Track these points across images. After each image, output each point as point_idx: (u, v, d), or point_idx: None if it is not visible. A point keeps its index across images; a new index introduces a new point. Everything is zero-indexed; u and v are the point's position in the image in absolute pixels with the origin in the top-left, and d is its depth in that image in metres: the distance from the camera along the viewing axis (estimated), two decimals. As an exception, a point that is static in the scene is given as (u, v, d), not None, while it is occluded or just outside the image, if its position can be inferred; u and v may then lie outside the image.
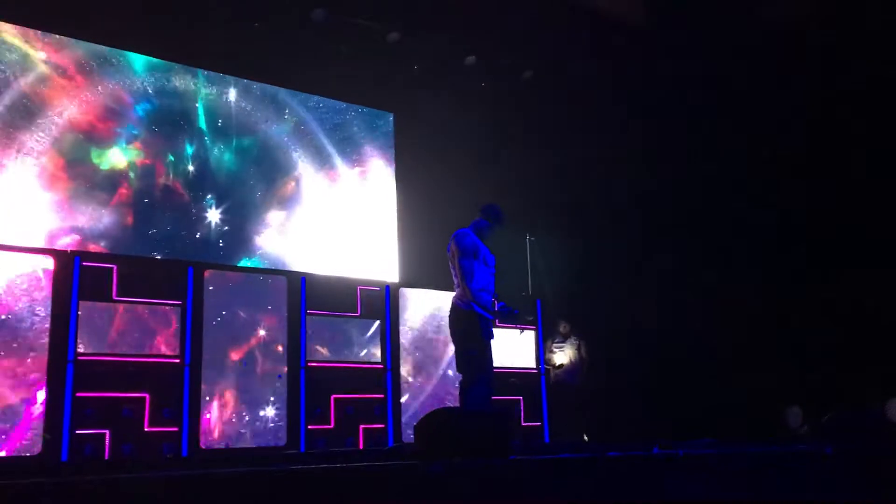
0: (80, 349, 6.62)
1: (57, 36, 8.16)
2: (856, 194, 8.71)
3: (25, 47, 8.03)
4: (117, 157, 8.30)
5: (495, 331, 5.96)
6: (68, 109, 8.12)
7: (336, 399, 8.34)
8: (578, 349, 9.49)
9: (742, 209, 9.47)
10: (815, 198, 8.97)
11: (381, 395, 8.75)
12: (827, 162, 8.88)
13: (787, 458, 3.95)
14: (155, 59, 8.65)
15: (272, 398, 8.23)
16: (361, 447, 8.18)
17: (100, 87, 8.31)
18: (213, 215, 8.74)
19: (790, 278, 9.19)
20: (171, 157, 8.57)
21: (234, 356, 8.13)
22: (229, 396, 7.98)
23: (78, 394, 6.55)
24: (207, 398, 7.69)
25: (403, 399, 8.59)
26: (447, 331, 6.18)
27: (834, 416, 4.85)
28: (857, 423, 4.84)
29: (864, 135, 8.64)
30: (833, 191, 8.84)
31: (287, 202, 9.25)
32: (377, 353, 8.63)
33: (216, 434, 7.76)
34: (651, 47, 9.40)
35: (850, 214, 8.73)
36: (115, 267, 7.29)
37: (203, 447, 7.46)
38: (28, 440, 6.24)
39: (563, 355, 9.49)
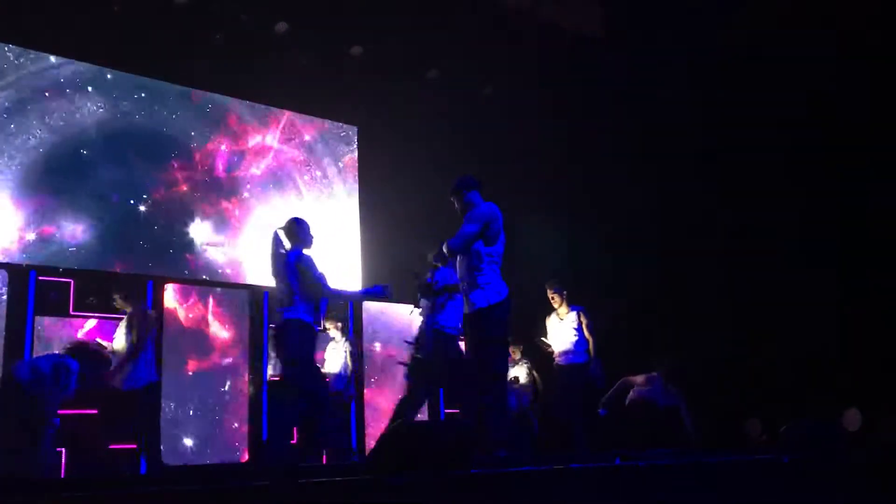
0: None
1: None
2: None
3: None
4: (78, 169, 8.14)
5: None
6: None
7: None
8: (530, 371, 8.82)
9: (707, 221, 9.60)
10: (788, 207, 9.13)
11: (345, 410, 8.71)
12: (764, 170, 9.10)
13: (745, 467, 4.00)
14: (120, 72, 8.53)
15: (233, 414, 8.16)
16: (325, 462, 8.13)
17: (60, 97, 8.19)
18: (175, 228, 8.61)
19: (750, 288, 9.33)
20: (134, 170, 8.44)
21: (195, 372, 8.05)
22: (190, 412, 7.90)
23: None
24: (167, 415, 7.59)
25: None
26: None
27: (791, 426, 4.92)
28: (815, 433, 4.91)
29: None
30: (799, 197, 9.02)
31: (249, 215, 9.17)
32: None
33: (176, 451, 7.66)
34: (611, 58, 9.51)
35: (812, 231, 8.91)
36: (72, 281, 7.19)
37: (163, 464, 7.36)
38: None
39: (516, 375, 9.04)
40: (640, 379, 7.87)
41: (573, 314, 7.48)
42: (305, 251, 5.50)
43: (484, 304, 5.08)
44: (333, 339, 8.17)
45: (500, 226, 5.29)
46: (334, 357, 8.09)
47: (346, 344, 8.08)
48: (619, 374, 8.15)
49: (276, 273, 5.51)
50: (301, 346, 5.37)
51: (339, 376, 8.01)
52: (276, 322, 5.57)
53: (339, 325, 8.20)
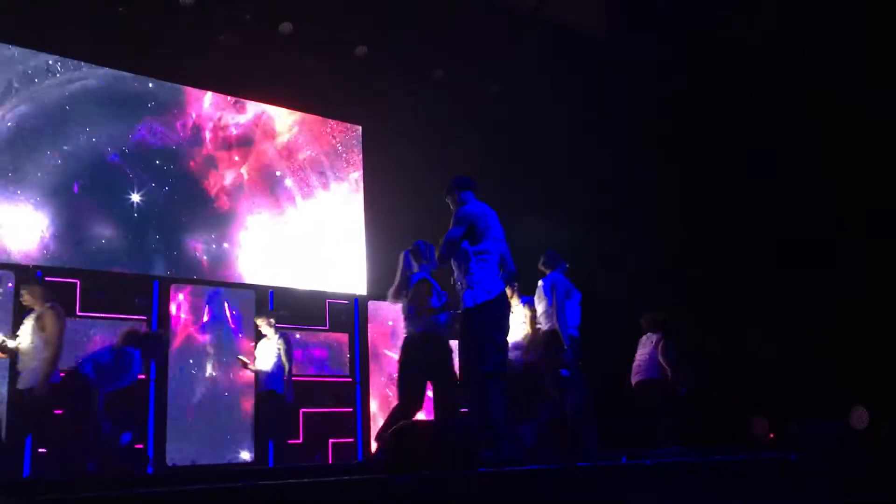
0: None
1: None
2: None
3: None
4: (82, 168, 8.14)
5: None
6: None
7: (305, 413, 8.29)
8: None
9: (708, 217, 9.59)
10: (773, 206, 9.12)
11: (351, 409, 8.72)
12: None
13: (752, 465, 3.99)
14: (121, 72, 8.54)
15: (239, 413, 8.16)
16: (331, 461, 8.15)
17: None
18: (179, 228, 8.60)
19: (753, 288, 9.32)
20: (140, 171, 8.44)
21: (201, 372, 8.05)
22: (196, 413, 7.90)
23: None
24: (174, 415, 7.60)
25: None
26: None
27: (798, 424, 4.92)
28: (822, 431, 4.91)
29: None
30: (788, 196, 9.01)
31: (254, 215, 9.16)
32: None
33: (183, 451, 7.66)
34: (615, 58, 9.50)
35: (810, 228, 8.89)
36: (77, 281, 7.19)
37: (169, 464, 7.37)
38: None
39: None
40: (642, 340, 7.85)
41: (521, 307, 7.33)
42: (433, 271, 5.99)
43: (471, 304, 5.09)
44: (265, 336, 7.76)
45: (487, 223, 5.24)
46: (266, 355, 7.67)
47: (280, 341, 7.64)
48: (620, 370, 8.17)
49: (399, 291, 5.96)
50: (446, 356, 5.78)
51: (271, 375, 7.58)
52: (407, 333, 5.89)
53: (272, 320, 7.78)
